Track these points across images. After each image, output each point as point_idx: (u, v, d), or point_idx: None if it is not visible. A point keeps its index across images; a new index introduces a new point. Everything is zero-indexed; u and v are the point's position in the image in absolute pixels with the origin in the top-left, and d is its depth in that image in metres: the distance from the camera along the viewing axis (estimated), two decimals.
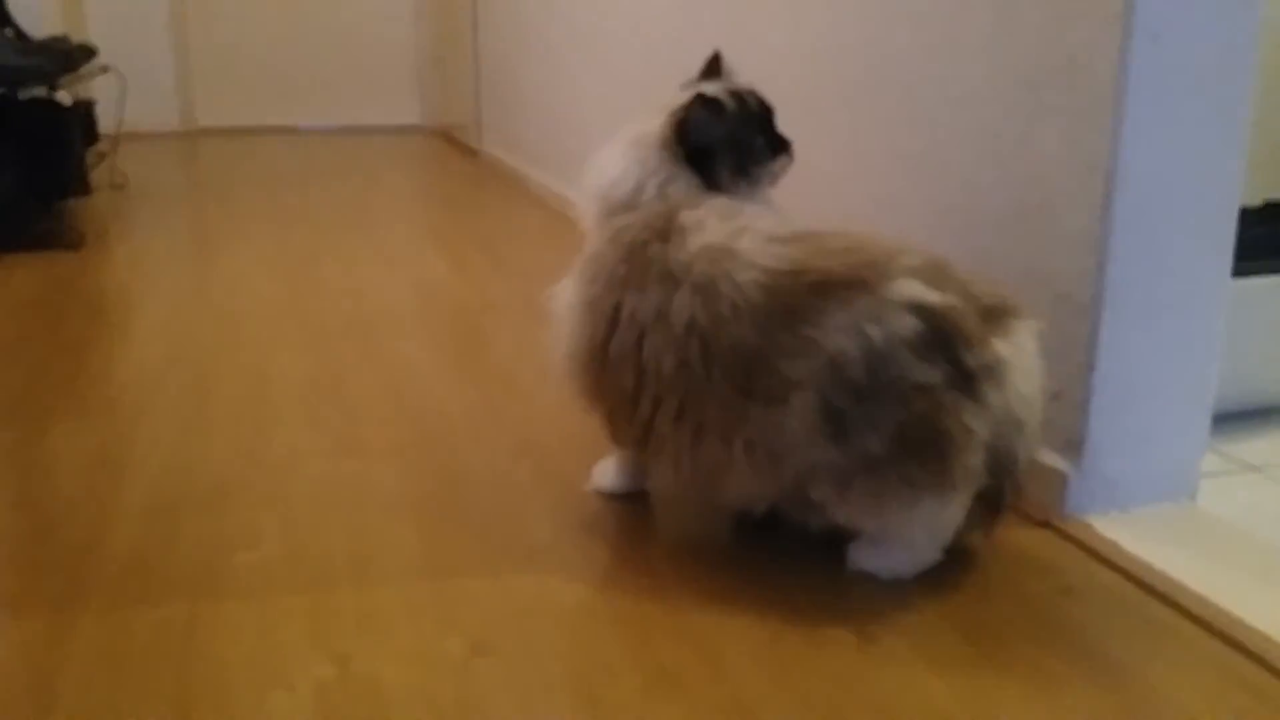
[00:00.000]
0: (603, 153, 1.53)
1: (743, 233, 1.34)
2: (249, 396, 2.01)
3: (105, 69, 4.04)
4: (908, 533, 1.34)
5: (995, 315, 1.29)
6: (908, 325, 1.23)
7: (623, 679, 1.16)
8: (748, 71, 2.44)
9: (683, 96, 1.50)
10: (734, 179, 1.48)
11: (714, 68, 1.59)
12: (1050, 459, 1.52)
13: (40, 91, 3.45)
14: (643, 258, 1.37)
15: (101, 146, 4.08)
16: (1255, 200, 1.97)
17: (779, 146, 1.52)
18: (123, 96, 4.16)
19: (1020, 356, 1.30)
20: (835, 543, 1.38)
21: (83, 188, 3.50)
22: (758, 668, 1.18)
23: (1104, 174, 1.41)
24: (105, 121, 4.17)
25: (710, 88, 1.50)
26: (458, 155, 5.48)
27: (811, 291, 1.27)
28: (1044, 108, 1.51)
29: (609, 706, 1.11)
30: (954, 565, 1.39)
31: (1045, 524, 1.50)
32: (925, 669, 1.18)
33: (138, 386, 2.08)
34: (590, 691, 1.14)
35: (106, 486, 1.62)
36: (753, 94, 1.53)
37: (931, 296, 1.25)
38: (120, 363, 2.23)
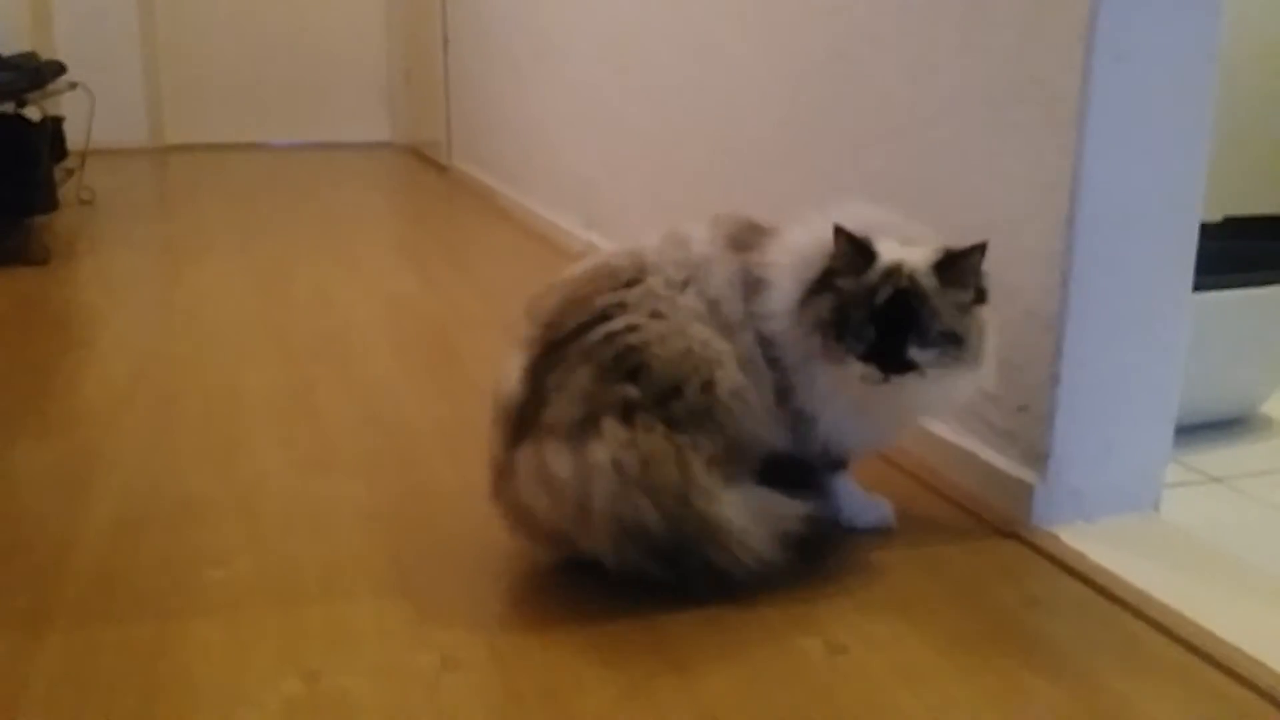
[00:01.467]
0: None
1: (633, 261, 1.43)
2: (218, 412, 2.00)
3: (74, 85, 4.01)
4: None
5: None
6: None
7: (594, 692, 1.16)
8: (714, 89, 2.47)
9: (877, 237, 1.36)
10: (814, 331, 1.35)
11: (967, 255, 1.32)
12: (1016, 470, 1.53)
13: (8, 108, 3.43)
14: None
15: (69, 163, 4.05)
16: (1215, 216, 2.00)
17: (875, 358, 1.30)
18: (91, 113, 4.14)
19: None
20: (806, 555, 1.39)
21: (50, 203, 3.48)
22: (729, 680, 1.18)
23: (1067, 191, 1.43)
24: (73, 138, 4.15)
25: (901, 252, 1.33)
26: (427, 171, 5.48)
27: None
28: (1008, 126, 1.53)
29: (581, 719, 1.11)
30: (923, 575, 1.40)
31: (1012, 535, 1.51)
32: (894, 679, 1.19)
33: (105, 402, 2.06)
34: (562, 705, 1.14)
35: (73, 503, 1.60)
36: (915, 296, 1.30)
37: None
38: (87, 378, 2.21)
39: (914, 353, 1.30)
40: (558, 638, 1.26)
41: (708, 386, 1.35)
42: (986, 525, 1.55)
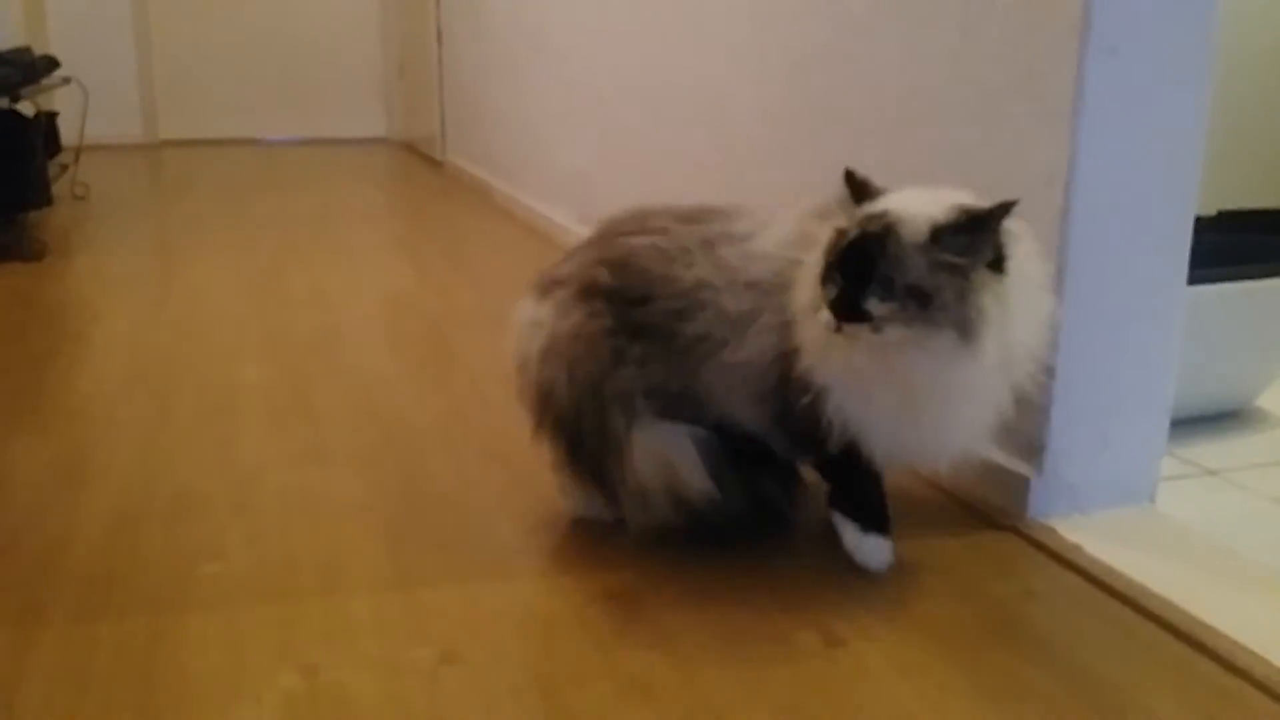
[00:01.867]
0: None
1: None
2: (213, 407, 2.00)
3: (67, 81, 4.00)
4: None
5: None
6: None
7: (592, 686, 1.16)
8: (708, 84, 2.46)
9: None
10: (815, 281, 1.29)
11: (981, 218, 1.21)
12: (1012, 464, 1.54)
13: (2, 103, 3.42)
14: None
15: (63, 158, 4.04)
16: (1209, 210, 2.00)
17: (833, 302, 1.23)
18: (85, 108, 4.13)
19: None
20: (805, 549, 1.39)
21: (44, 199, 3.47)
22: (727, 673, 1.18)
23: (1062, 184, 1.43)
24: (67, 133, 4.14)
25: (911, 204, 1.25)
26: (422, 167, 5.47)
27: None
28: (1003, 119, 1.53)
29: (579, 713, 1.11)
30: (919, 569, 1.40)
31: (1008, 528, 1.52)
32: (892, 673, 1.19)
33: (100, 397, 2.06)
34: (560, 698, 1.14)
35: (69, 498, 1.60)
36: (878, 242, 1.21)
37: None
38: (83, 374, 2.20)
39: (871, 303, 1.20)
40: (556, 632, 1.26)
41: (681, 315, 1.38)
42: (983, 518, 1.55)
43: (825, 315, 1.23)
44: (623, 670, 1.18)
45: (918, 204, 1.24)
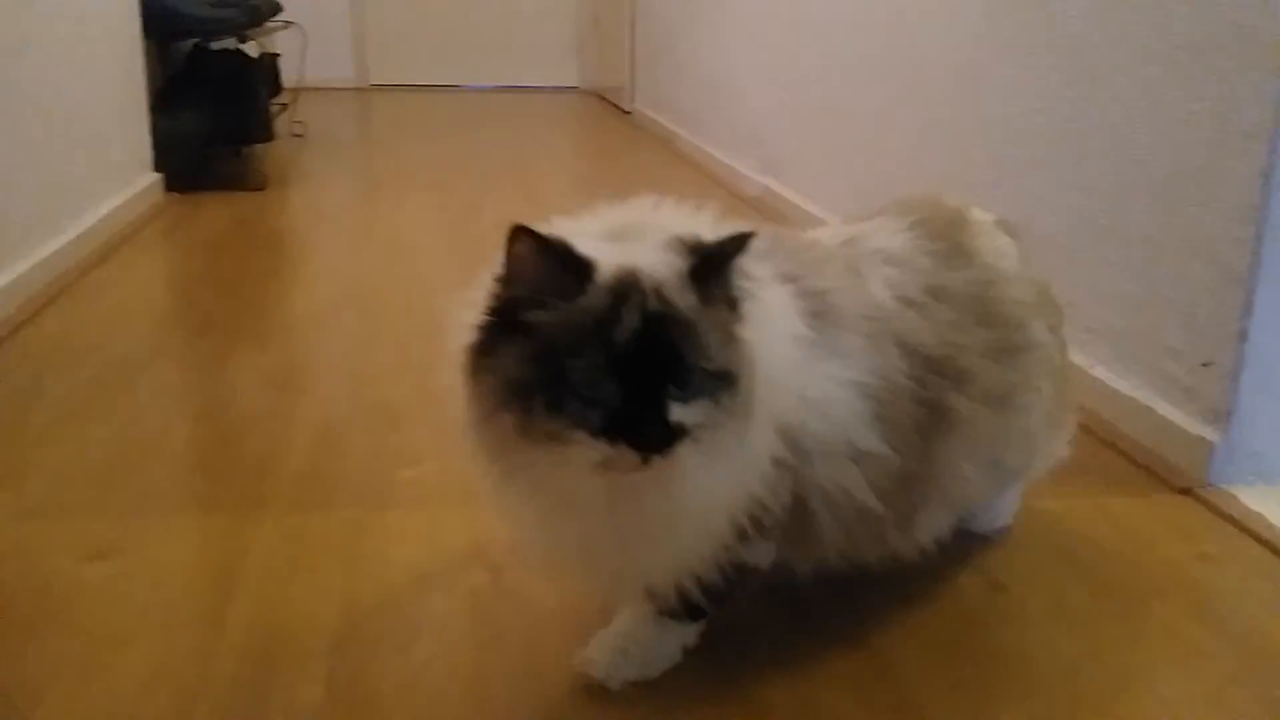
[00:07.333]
0: None
1: None
2: (415, 329, 2.12)
3: (289, 24, 4.24)
4: None
5: None
6: None
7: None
8: (898, 34, 2.44)
9: None
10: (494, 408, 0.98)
11: (728, 250, 0.91)
12: (1196, 427, 1.50)
13: (230, 43, 3.66)
14: None
15: (283, 97, 4.29)
16: None
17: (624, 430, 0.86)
18: (304, 51, 4.37)
19: None
20: None
21: (266, 134, 3.70)
22: (890, 609, 1.21)
23: (1266, 141, 1.38)
24: (287, 74, 4.39)
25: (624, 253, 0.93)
26: (610, 115, 5.56)
27: None
28: (1206, 72, 1.48)
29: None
30: (1089, 525, 1.39)
31: (1187, 492, 1.49)
32: (1053, 621, 1.20)
33: (314, 315, 2.22)
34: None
35: (284, 405, 1.75)
36: (673, 323, 0.87)
37: None
38: (298, 294, 2.38)
39: (677, 411, 0.85)
40: None
41: None
42: (1160, 481, 1.53)
43: (602, 451, 0.85)
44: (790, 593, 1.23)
45: (635, 250, 0.93)
